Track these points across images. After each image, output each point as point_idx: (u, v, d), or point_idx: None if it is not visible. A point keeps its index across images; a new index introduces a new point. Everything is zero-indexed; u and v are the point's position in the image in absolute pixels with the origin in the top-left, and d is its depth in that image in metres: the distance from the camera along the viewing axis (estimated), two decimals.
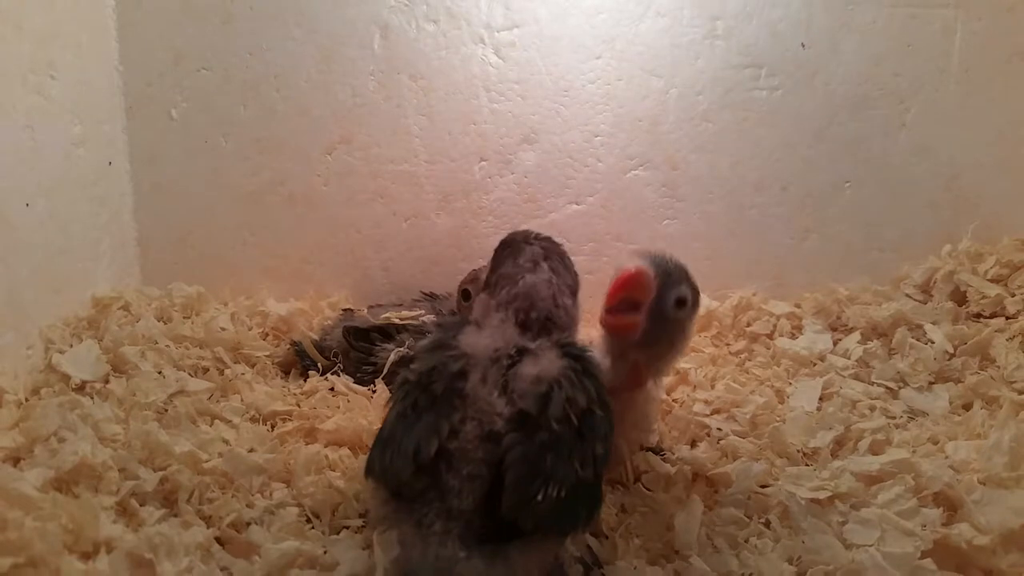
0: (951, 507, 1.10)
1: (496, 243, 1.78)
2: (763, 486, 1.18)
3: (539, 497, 0.86)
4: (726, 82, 1.76)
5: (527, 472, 0.87)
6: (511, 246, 1.13)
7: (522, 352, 0.97)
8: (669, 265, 1.11)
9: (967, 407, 1.39)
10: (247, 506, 1.11)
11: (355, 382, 1.47)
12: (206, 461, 1.18)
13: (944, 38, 1.73)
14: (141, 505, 1.08)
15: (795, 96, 1.76)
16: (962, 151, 1.77)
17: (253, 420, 1.36)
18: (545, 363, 0.96)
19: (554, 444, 0.89)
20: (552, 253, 1.13)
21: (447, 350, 0.98)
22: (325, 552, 1.02)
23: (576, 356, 0.99)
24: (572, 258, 1.78)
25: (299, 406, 1.42)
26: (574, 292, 1.12)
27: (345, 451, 1.26)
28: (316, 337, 1.59)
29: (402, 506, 0.91)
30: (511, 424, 0.91)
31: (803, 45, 1.74)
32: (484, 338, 1.00)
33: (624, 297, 1.07)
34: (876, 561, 1.00)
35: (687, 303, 1.11)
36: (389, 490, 0.94)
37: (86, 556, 0.95)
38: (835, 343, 1.63)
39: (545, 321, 1.03)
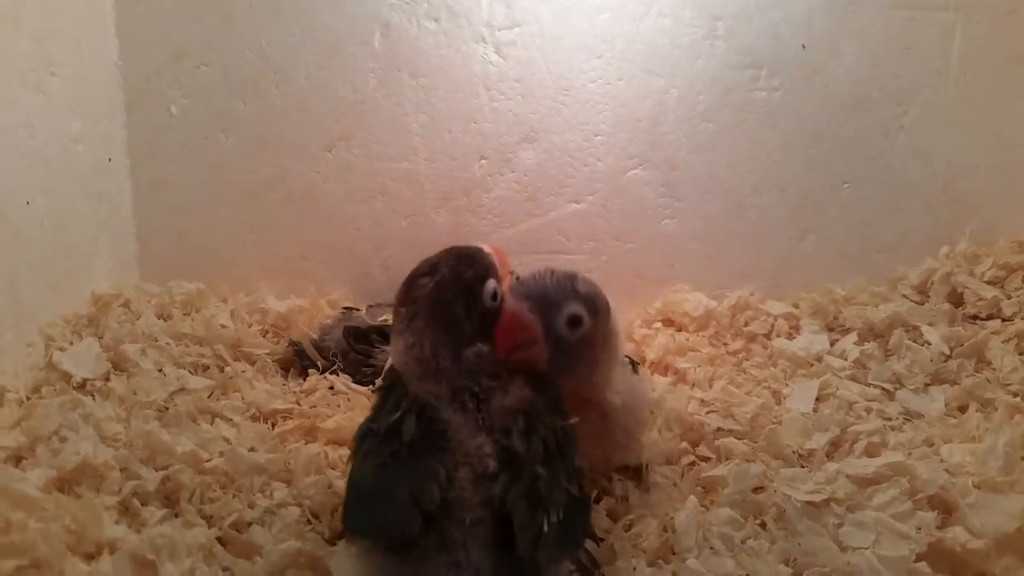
0: (946, 510, 1.10)
1: (495, 241, 1.81)
2: (758, 489, 1.18)
3: (545, 528, 0.84)
4: (726, 82, 1.76)
5: (530, 509, 0.85)
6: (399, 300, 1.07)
7: (489, 388, 0.96)
8: (549, 289, 1.03)
9: (963, 409, 1.40)
10: (248, 506, 1.12)
11: (354, 382, 1.47)
12: (207, 460, 1.18)
13: (943, 41, 1.73)
14: (143, 505, 1.09)
15: (795, 97, 1.77)
16: (960, 153, 1.78)
17: (254, 418, 1.37)
18: (516, 391, 0.96)
19: (544, 472, 0.89)
20: (426, 310, 1.02)
21: (403, 393, 0.95)
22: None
23: (539, 380, 0.99)
24: (570, 257, 1.82)
25: (299, 404, 1.43)
26: (455, 347, 1.00)
27: (345, 451, 1.27)
28: (315, 336, 1.60)
29: (403, 567, 0.86)
30: (500, 462, 0.89)
31: (803, 46, 1.74)
32: (438, 385, 0.97)
33: (511, 346, 1.00)
34: (871, 564, 1.01)
35: (582, 320, 1.03)
36: (385, 548, 0.88)
37: (89, 557, 0.96)
38: (832, 344, 1.64)
39: (434, 384, 0.98)
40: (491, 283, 1.05)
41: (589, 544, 1.04)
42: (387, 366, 1.41)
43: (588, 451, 1.07)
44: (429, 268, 1.05)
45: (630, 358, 1.28)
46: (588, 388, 1.10)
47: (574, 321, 1.02)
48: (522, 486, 0.87)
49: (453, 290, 1.02)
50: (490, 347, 1.02)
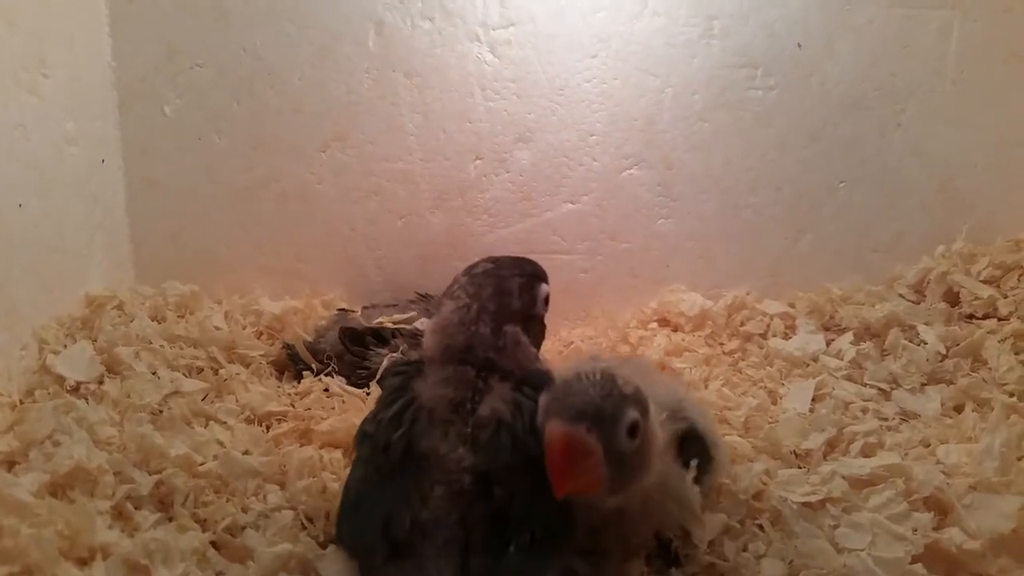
0: (942, 511, 1.10)
1: (491, 242, 1.81)
2: (756, 496, 1.17)
3: (511, 548, 0.85)
4: (722, 82, 1.76)
5: (495, 528, 0.85)
6: (462, 272, 1.11)
7: (481, 394, 0.95)
8: (599, 400, 0.88)
9: (959, 409, 1.40)
10: (242, 510, 1.11)
11: (348, 384, 1.47)
12: (201, 464, 1.18)
13: (940, 39, 1.73)
14: (136, 509, 1.08)
15: (791, 96, 1.76)
16: (957, 152, 1.78)
17: (248, 421, 1.37)
18: (495, 402, 0.94)
19: (518, 488, 0.87)
20: (483, 280, 1.06)
21: (404, 402, 0.94)
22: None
23: (528, 383, 0.97)
24: (566, 257, 1.82)
25: (294, 407, 1.42)
26: (498, 319, 1.04)
27: (338, 454, 1.26)
28: (310, 339, 1.59)
29: None
30: (475, 477, 0.88)
31: (799, 45, 1.74)
32: (440, 387, 0.96)
33: (573, 475, 0.87)
34: (867, 566, 1.01)
35: (639, 426, 0.90)
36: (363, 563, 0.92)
37: (82, 563, 0.95)
38: (828, 343, 1.64)
39: (463, 352, 1.00)
40: (545, 288, 1.11)
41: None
42: (382, 367, 1.42)
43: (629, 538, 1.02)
44: (492, 258, 1.12)
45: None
46: (636, 494, 0.96)
47: (633, 430, 0.89)
48: (487, 504, 0.86)
49: (512, 272, 1.08)
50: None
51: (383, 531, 0.86)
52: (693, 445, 1.04)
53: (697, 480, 1.01)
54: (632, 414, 0.89)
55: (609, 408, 0.88)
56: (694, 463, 1.01)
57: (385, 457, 0.91)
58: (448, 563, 0.85)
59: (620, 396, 0.89)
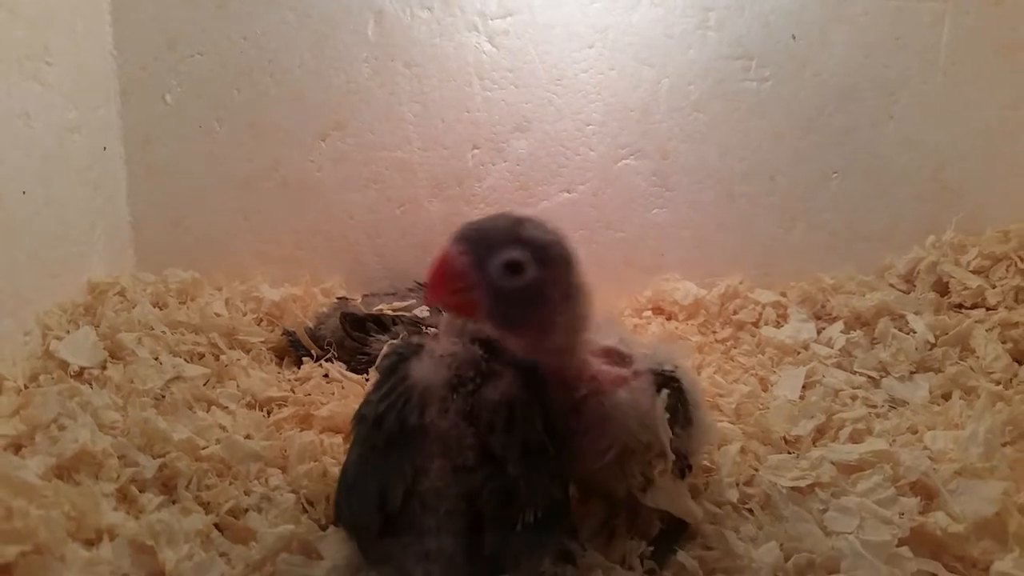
0: (928, 496, 1.13)
1: None
2: (747, 481, 1.20)
3: (518, 527, 0.86)
4: (717, 73, 1.78)
5: (505, 507, 0.87)
6: None
7: (485, 376, 0.95)
8: (488, 231, 0.91)
9: (946, 397, 1.42)
10: (244, 493, 1.13)
11: (348, 370, 1.49)
12: (204, 448, 1.20)
13: (932, 31, 1.75)
14: (141, 492, 1.10)
15: (785, 87, 1.78)
16: (948, 143, 1.79)
17: (249, 406, 1.39)
18: (504, 385, 0.95)
19: (526, 469, 0.89)
20: None
21: (399, 382, 0.95)
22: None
23: (530, 370, 0.98)
24: None
25: (294, 392, 1.44)
26: None
27: (338, 439, 1.28)
28: (311, 325, 1.61)
29: (378, 552, 0.91)
30: (481, 456, 0.89)
31: (794, 37, 1.75)
32: (441, 366, 0.95)
33: (441, 292, 0.91)
34: (855, 548, 1.03)
35: (523, 268, 0.89)
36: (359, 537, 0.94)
37: (89, 543, 0.97)
38: (819, 332, 1.66)
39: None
40: None
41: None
42: (382, 353, 1.43)
43: (591, 457, 1.00)
44: None
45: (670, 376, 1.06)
46: (547, 353, 0.97)
47: (512, 268, 0.89)
48: (498, 484, 0.88)
49: None
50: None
51: (378, 504, 0.88)
52: (675, 399, 1.03)
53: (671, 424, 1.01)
54: (514, 253, 0.89)
55: (492, 239, 0.90)
56: (665, 392, 1.00)
57: (378, 434, 0.92)
58: (449, 537, 0.86)
59: (511, 234, 0.90)
